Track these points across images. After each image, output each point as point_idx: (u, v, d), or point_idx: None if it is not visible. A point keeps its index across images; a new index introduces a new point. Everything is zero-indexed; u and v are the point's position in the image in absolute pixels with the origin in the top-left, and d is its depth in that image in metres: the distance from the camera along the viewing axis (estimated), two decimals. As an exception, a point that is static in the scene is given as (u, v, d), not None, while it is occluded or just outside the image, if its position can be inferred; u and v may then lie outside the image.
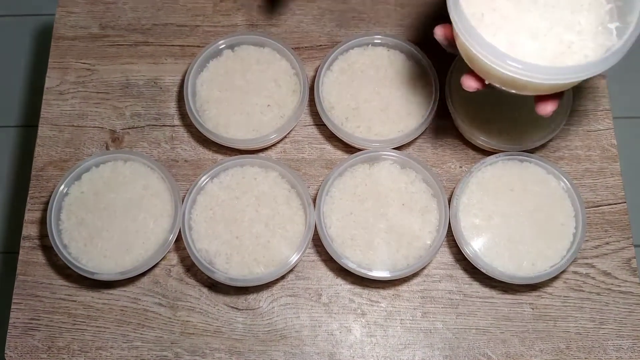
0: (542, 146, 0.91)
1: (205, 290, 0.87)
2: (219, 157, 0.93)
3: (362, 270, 0.80)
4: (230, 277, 0.81)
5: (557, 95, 0.69)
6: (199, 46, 0.99)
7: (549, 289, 0.86)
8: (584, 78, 0.63)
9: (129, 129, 0.95)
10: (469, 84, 0.68)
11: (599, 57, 0.63)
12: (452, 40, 0.70)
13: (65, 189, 0.85)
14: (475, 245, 0.82)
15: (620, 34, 0.65)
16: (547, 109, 0.69)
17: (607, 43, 0.65)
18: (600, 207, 0.90)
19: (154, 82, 0.97)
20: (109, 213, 0.84)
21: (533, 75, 0.61)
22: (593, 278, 0.87)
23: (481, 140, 0.88)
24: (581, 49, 0.64)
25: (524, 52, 0.64)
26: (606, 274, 0.87)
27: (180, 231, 0.83)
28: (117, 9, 1.02)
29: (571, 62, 0.64)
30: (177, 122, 0.95)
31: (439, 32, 0.70)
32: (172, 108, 0.96)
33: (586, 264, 0.87)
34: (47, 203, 0.87)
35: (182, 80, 0.95)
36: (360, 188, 0.85)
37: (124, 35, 1.00)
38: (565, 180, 0.85)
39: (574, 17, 0.64)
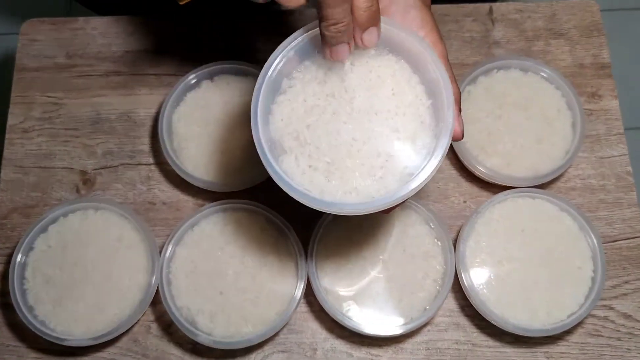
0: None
1: (189, 347, 0.79)
2: (200, 198, 0.84)
3: (360, 328, 0.73)
4: (215, 340, 0.73)
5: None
6: (175, 74, 0.91)
7: (565, 336, 0.79)
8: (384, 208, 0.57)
9: (101, 169, 0.87)
10: None
11: (419, 163, 0.57)
12: None
13: (30, 244, 0.77)
14: (485, 295, 0.75)
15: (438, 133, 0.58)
16: (387, 210, 0.61)
17: (426, 148, 0.57)
18: (617, 242, 0.83)
19: (128, 116, 0.89)
20: (79, 269, 0.76)
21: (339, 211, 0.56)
22: (612, 322, 0.79)
23: (487, 171, 0.80)
24: (400, 161, 0.57)
25: (342, 174, 0.58)
26: (627, 316, 0.80)
27: (158, 287, 0.75)
28: (85, 35, 0.93)
29: (391, 177, 0.57)
30: (153, 159, 0.87)
31: None
32: (148, 144, 0.88)
33: (604, 305, 0.80)
34: (11, 255, 0.78)
35: (158, 114, 0.86)
36: (356, 233, 0.77)
37: (93, 64, 0.92)
38: (580, 217, 0.77)
39: (389, 123, 0.57)
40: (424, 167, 0.56)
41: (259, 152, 0.58)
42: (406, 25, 0.60)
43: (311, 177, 0.58)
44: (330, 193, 0.57)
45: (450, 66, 0.60)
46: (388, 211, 0.62)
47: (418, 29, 0.59)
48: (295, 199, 0.57)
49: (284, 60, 0.59)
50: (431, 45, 0.59)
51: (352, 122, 0.58)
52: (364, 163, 0.57)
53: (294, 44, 0.59)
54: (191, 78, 0.84)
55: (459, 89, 0.59)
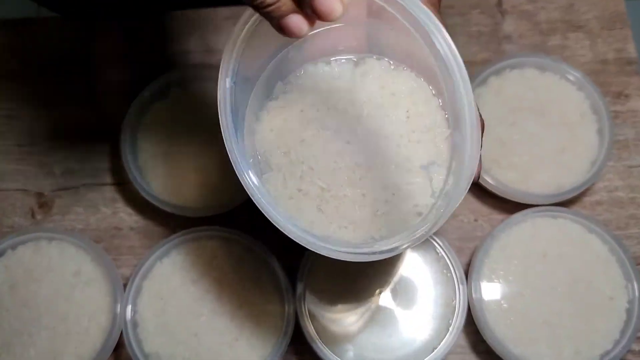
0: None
1: (161, 397, 0.68)
2: (171, 222, 0.74)
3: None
4: (188, 395, 0.62)
5: None
6: (141, 81, 0.80)
7: (595, 377, 0.68)
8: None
9: (59, 190, 0.76)
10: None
11: (431, 202, 0.46)
12: None
13: (-27, 281, 0.66)
14: (501, 332, 0.65)
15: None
16: None
17: (441, 185, 0.47)
18: (652, 264, 0.72)
19: (89, 130, 0.78)
20: (30, 310, 0.67)
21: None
22: (652, 359, 0.69)
23: (501, 187, 0.69)
24: (409, 197, 0.47)
25: (338, 205, 0.47)
26: (667, 351, 0.69)
27: (122, 330, 0.64)
28: (42, 38, 0.83)
29: (398, 215, 0.47)
30: (118, 178, 0.76)
31: None
32: (112, 161, 0.77)
33: None
34: (-45, 294, 0.68)
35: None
36: (352, 264, 0.66)
37: (50, 71, 0.81)
38: (610, 238, 0.67)
39: (401, 151, 0.48)
40: (436, 208, 0.45)
41: (231, 161, 0.45)
42: None
43: (300, 203, 0.47)
44: (322, 225, 0.47)
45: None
46: None
47: None
48: (277, 226, 0.45)
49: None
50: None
51: (356, 144, 0.47)
52: (366, 194, 0.47)
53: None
54: (157, 86, 0.73)
55: (481, 116, 0.48)
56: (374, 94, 0.49)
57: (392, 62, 0.50)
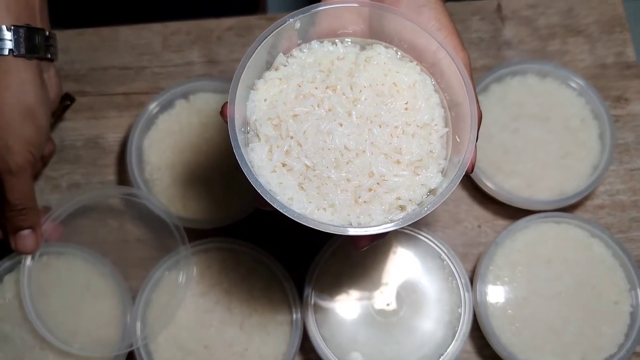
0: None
1: (171, 407, 0.69)
2: (178, 233, 0.74)
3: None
4: (199, 406, 0.63)
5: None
6: (147, 93, 0.81)
7: (600, 378, 0.69)
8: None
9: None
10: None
11: (416, 200, 0.47)
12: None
13: (-16, 297, 0.67)
14: (507, 338, 0.65)
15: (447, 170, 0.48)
16: (358, 245, 0.50)
17: (429, 182, 0.47)
18: (655, 266, 0.73)
19: (95, 142, 0.79)
20: (41, 324, 0.66)
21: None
22: (655, 360, 0.70)
23: (505, 194, 0.70)
24: (394, 189, 0.46)
25: (320, 185, 0.47)
26: (671, 353, 0.70)
27: (132, 343, 0.65)
28: (44, 51, 0.82)
29: (379, 205, 0.46)
30: (125, 191, 0.76)
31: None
32: (118, 174, 0.78)
33: (644, 341, 0.70)
34: (-35, 310, 0.69)
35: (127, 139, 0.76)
36: (358, 272, 0.68)
37: (54, 84, 0.81)
38: (614, 243, 0.68)
39: (393, 142, 0.47)
40: (420, 203, 0.46)
41: (230, 134, 0.46)
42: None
43: (282, 177, 0.47)
44: (301, 203, 0.46)
45: (472, 80, 0.49)
46: (361, 244, 0.51)
47: (434, 32, 0.49)
48: (263, 196, 0.45)
49: (286, 29, 0.48)
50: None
51: (349, 127, 0.47)
52: (351, 179, 0.46)
53: (306, 13, 0.48)
54: (162, 99, 0.74)
55: (480, 109, 0.49)
56: (376, 80, 0.48)
57: (399, 52, 0.50)
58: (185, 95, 0.75)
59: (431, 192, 0.47)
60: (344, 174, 0.46)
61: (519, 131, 0.73)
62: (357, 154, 0.46)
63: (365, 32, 0.51)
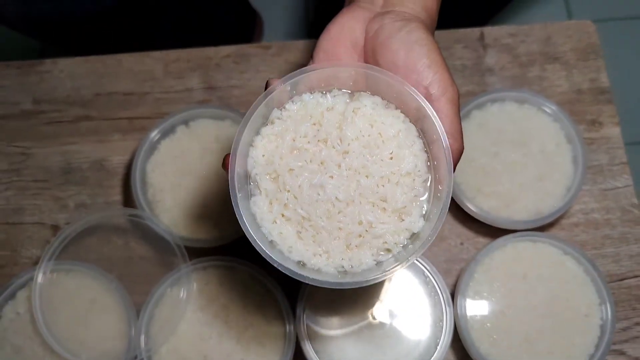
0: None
1: (173, 414, 0.73)
2: (179, 251, 0.79)
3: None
4: (198, 413, 0.68)
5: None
6: (150, 117, 0.85)
7: (574, 385, 0.73)
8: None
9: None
10: None
11: (400, 243, 0.51)
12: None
13: (-2, 312, 0.72)
14: (486, 349, 0.70)
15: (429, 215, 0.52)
16: None
17: (412, 227, 0.51)
18: (625, 281, 0.78)
19: (100, 165, 0.84)
20: (51, 337, 0.71)
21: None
22: (624, 368, 0.74)
23: (484, 214, 0.75)
24: (381, 235, 0.51)
25: (315, 233, 0.51)
26: (639, 361, 0.75)
27: (137, 354, 0.70)
28: (52, 78, 0.88)
29: (368, 250, 0.51)
30: (129, 211, 0.81)
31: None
32: (122, 194, 0.82)
33: (614, 350, 0.75)
34: (-20, 323, 0.73)
35: (132, 162, 0.81)
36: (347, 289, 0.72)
37: (62, 109, 0.87)
38: (585, 260, 0.72)
39: (379, 191, 0.51)
40: (404, 245, 0.51)
41: (230, 189, 0.50)
42: (411, 63, 0.51)
43: (282, 228, 0.51)
44: (299, 251, 0.51)
45: (459, 115, 0.52)
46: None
47: (425, 68, 0.51)
48: (257, 250, 0.50)
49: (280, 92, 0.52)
50: (444, 95, 0.51)
51: (339, 179, 0.51)
52: (342, 228, 0.51)
53: (296, 78, 0.51)
54: (164, 125, 0.79)
55: (462, 144, 0.52)
56: (363, 132, 0.52)
57: (383, 100, 0.54)
58: (185, 122, 0.80)
59: (413, 236, 0.51)
60: (335, 223, 0.51)
61: (498, 155, 0.77)
62: (347, 203, 0.51)
63: (355, 84, 0.54)
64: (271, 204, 0.51)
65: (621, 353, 0.75)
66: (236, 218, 0.76)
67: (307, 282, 0.49)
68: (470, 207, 0.74)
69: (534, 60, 0.88)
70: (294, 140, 0.52)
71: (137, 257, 0.79)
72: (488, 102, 0.80)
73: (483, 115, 0.79)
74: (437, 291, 0.72)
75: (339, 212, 0.51)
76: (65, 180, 0.83)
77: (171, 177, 0.77)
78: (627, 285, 0.78)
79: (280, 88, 0.51)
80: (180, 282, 0.73)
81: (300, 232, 0.51)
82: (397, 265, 0.49)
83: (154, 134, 0.78)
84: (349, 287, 0.50)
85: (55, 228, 0.81)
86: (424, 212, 0.52)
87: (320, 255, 0.51)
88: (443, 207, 0.49)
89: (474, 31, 0.89)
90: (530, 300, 0.71)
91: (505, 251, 0.73)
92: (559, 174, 0.77)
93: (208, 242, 0.74)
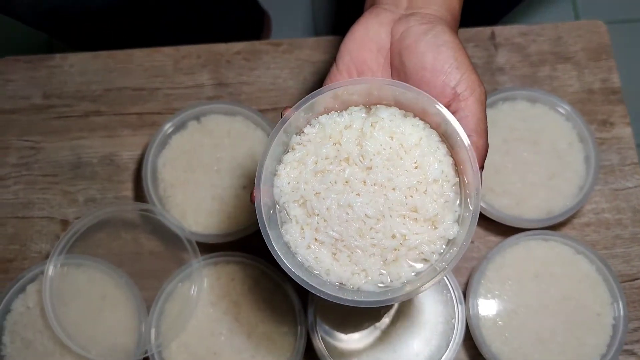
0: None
1: (182, 411, 0.73)
2: (189, 247, 0.78)
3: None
4: (209, 409, 0.67)
5: None
6: (160, 113, 0.85)
7: (584, 385, 0.73)
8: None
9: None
10: None
11: (438, 251, 0.50)
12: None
13: (7, 305, 0.71)
14: (498, 348, 0.70)
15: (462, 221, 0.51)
16: None
17: (446, 233, 0.50)
18: (637, 281, 0.78)
19: (110, 160, 0.83)
20: (61, 332, 0.71)
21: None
22: (635, 368, 0.74)
23: (496, 212, 0.75)
24: (416, 246, 0.50)
25: (350, 253, 0.51)
26: (650, 362, 0.74)
27: (147, 350, 0.69)
28: (62, 73, 0.88)
29: (406, 263, 0.50)
30: (138, 206, 0.81)
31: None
32: (132, 189, 0.82)
33: (626, 351, 0.75)
34: (-12, 317, 0.73)
35: (142, 157, 0.81)
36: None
37: (72, 104, 0.86)
38: (597, 259, 0.72)
39: (408, 202, 0.50)
40: (441, 253, 0.50)
41: (259, 222, 0.50)
42: (439, 65, 0.51)
43: (317, 252, 0.51)
44: (337, 272, 0.50)
45: (485, 113, 0.52)
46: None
47: (452, 69, 0.51)
48: (297, 281, 0.50)
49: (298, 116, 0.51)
50: (472, 95, 0.51)
51: (366, 196, 0.50)
52: (376, 244, 0.50)
53: (309, 102, 0.51)
54: (175, 120, 0.78)
55: (487, 141, 0.52)
56: (383, 145, 0.51)
57: (400, 110, 0.53)
58: (197, 117, 0.79)
59: (449, 242, 0.50)
60: (369, 240, 0.50)
61: (509, 153, 0.77)
62: (377, 219, 0.50)
63: (369, 96, 0.53)
64: (302, 229, 0.51)
65: (632, 353, 0.75)
66: (246, 213, 0.76)
67: (349, 304, 0.48)
68: (482, 205, 0.74)
69: (545, 60, 0.87)
70: (316, 164, 0.51)
71: (148, 252, 0.79)
72: (499, 100, 0.79)
73: (494, 114, 0.79)
74: (449, 289, 0.72)
75: (370, 229, 0.50)
76: (74, 174, 0.83)
77: (182, 172, 0.77)
78: (638, 286, 0.78)
79: (293, 115, 0.51)
80: (191, 277, 0.72)
81: (335, 254, 0.51)
82: (437, 275, 0.48)
83: (166, 128, 0.78)
84: (391, 303, 0.49)
85: (65, 222, 0.81)
86: (457, 217, 0.51)
87: (358, 274, 0.50)
88: (474, 208, 0.49)
89: (485, 30, 0.89)
90: (542, 299, 0.71)
91: (517, 249, 0.73)
92: (570, 173, 0.76)
93: (219, 237, 0.74)
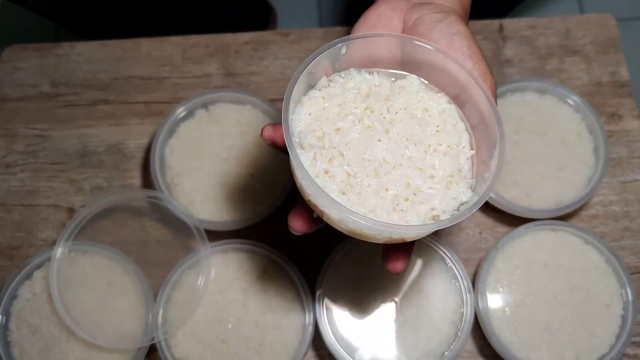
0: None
1: (188, 399, 0.73)
2: (196, 235, 0.78)
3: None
4: (216, 396, 0.67)
5: (406, 251, 0.55)
6: (167, 102, 0.85)
7: (592, 377, 0.73)
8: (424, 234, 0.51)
9: (89, 205, 0.81)
10: (295, 226, 0.53)
11: (449, 211, 0.50)
12: (280, 145, 0.56)
13: (14, 292, 0.71)
14: (506, 338, 0.69)
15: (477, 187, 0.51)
16: (397, 266, 0.54)
17: (460, 196, 0.50)
18: (645, 273, 0.77)
19: (117, 148, 0.83)
20: (68, 318, 0.70)
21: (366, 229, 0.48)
22: (643, 361, 0.74)
23: (505, 203, 0.74)
24: (429, 200, 0.49)
25: (361, 191, 0.49)
26: (658, 354, 0.74)
27: (154, 337, 0.69)
28: (70, 61, 0.87)
29: (415, 213, 0.49)
30: (145, 194, 0.81)
31: (267, 134, 0.55)
32: (139, 177, 0.82)
33: (634, 343, 0.75)
34: (-6, 303, 0.72)
35: (150, 145, 0.80)
36: (367, 272, 0.72)
37: (79, 92, 0.86)
38: (606, 250, 0.72)
39: (427, 158, 0.50)
40: (452, 215, 0.49)
41: (285, 139, 0.47)
42: (452, 53, 0.52)
43: (325, 183, 0.49)
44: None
45: (495, 102, 0.53)
46: (399, 265, 0.55)
47: (465, 58, 0.52)
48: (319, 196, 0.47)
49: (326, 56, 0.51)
50: (483, 83, 0.51)
51: (387, 143, 0.50)
52: (390, 188, 0.49)
53: (353, 39, 0.51)
54: (184, 108, 0.78)
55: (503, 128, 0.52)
56: (410, 105, 0.52)
57: (428, 83, 0.54)
58: (205, 105, 0.79)
59: (462, 205, 0.50)
60: (383, 182, 0.49)
61: (518, 144, 0.77)
62: (394, 166, 0.49)
63: (397, 60, 0.54)
64: (315, 159, 0.49)
65: (639, 346, 0.75)
66: (255, 201, 0.76)
67: (362, 221, 0.46)
68: (492, 195, 0.74)
69: (553, 53, 0.87)
70: (340, 105, 0.51)
71: (155, 240, 0.78)
72: (508, 91, 0.79)
73: (504, 105, 0.79)
74: (457, 278, 0.71)
75: (386, 174, 0.49)
76: (81, 163, 0.83)
77: (190, 160, 0.77)
78: (646, 278, 0.77)
79: (337, 46, 0.51)
80: (199, 265, 0.72)
81: (344, 190, 0.49)
82: (449, 219, 0.47)
83: (177, 114, 0.78)
84: (396, 233, 0.48)
85: (71, 210, 0.81)
86: (471, 184, 0.51)
87: (365, 214, 0.49)
88: (499, 163, 0.49)
89: (493, 23, 0.89)
90: (551, 289, 0.71)
91: (526, 239, 0.73)
92: (580, 164, 0.76)
93: (227, 225, 0.74)
